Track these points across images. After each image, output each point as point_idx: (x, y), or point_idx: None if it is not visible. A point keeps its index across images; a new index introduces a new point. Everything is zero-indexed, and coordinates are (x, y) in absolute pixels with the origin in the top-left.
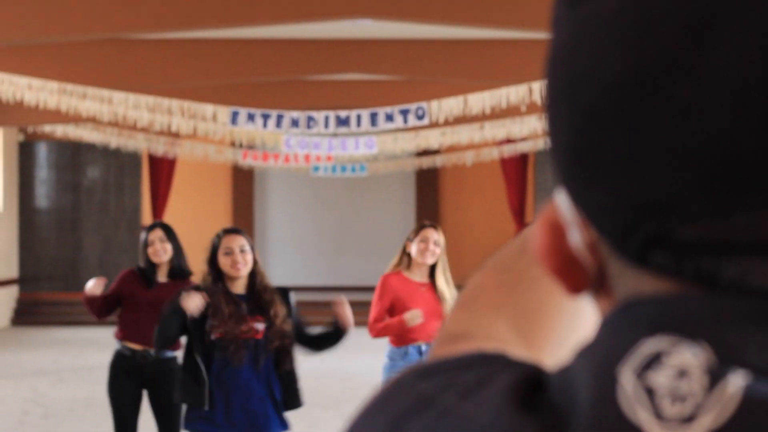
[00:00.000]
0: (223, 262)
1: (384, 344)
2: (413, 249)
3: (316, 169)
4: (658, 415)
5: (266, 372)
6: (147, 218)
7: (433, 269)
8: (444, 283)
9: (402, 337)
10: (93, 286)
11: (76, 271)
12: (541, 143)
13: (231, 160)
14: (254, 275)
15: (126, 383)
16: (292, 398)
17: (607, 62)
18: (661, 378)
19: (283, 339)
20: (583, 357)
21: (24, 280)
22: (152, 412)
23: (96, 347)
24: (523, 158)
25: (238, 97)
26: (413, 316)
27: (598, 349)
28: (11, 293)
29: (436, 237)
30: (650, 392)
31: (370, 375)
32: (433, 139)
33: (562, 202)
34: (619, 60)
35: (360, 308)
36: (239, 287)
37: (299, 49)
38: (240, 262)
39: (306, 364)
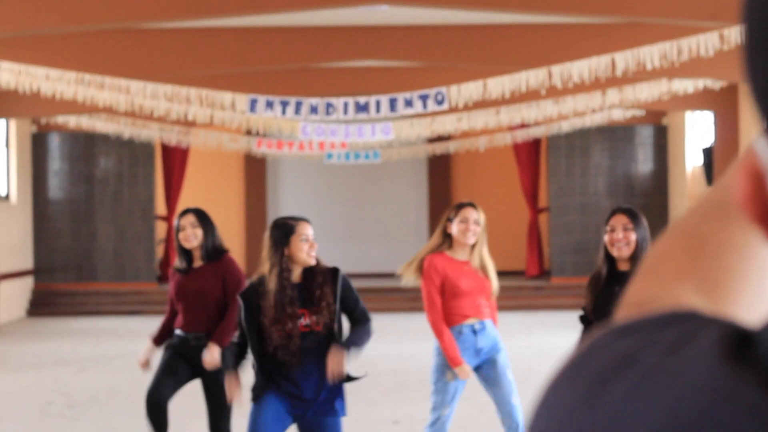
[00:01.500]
0: (300, 247)
1: (394, 331)
2: (454, 229)
3: (330, 156)
4: None
5: (320, 359)
6: (160, 208)
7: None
8: (480, 261)
9: (454, 315)
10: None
11: (91, 262)
12: (555, 128)
13: (245, 148)
14: (314, 270)
15: (179, 358)
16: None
17: None
18: None
19: (331, 325)
20: None
21: (39, 271)
22: (204, 396)
23: (114, 336)
24: (535, 143)
25: (256, 85)
26: (463, 374)
27: None
28: (26, 284)
29: (475, 216)
30: None
31: (388, 360)
32: (449, 124)
33: (763, 149)
34: None
35: (373, 294)
36: (297, 275)
37: (317, 37)
38: (314, 250)
39: None
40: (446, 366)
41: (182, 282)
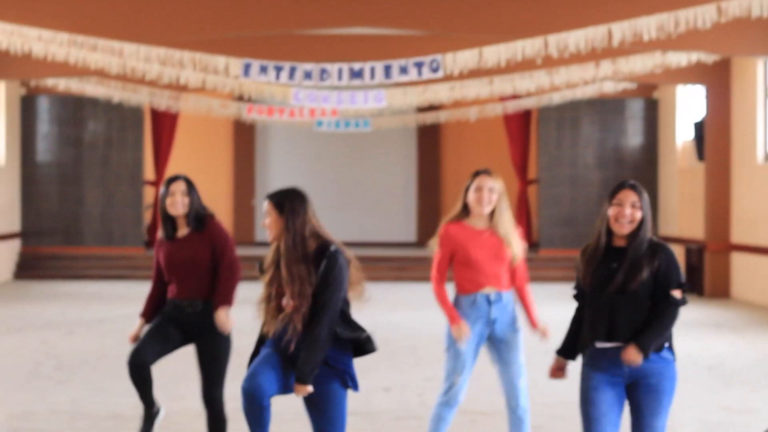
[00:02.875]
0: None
1: (382, 300)
2: (470, 197)
3: (320, 123)
4: None
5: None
6: (149, 173)
7: (493, 215)
8: (506, 228)
9: (468, 283)
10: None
11: (78, 226)
12: (545, 99)
13: (235, 114)
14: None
15: (170, 323)
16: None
17: None
18: None
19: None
20: None
21: (26, 234)
22: (198, 362)
23: (101, 300)
24: (526, 114)
25: (250, 50)
26: (459, 334)
27: None
28: (13, 247)
29: (491, 184)
30: None
31: (377, 329)
32: (442, 93)
33: None
34: None
35: (361, 263)
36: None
37: (312, 2)
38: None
39: None
40: None
41: (171, 251)
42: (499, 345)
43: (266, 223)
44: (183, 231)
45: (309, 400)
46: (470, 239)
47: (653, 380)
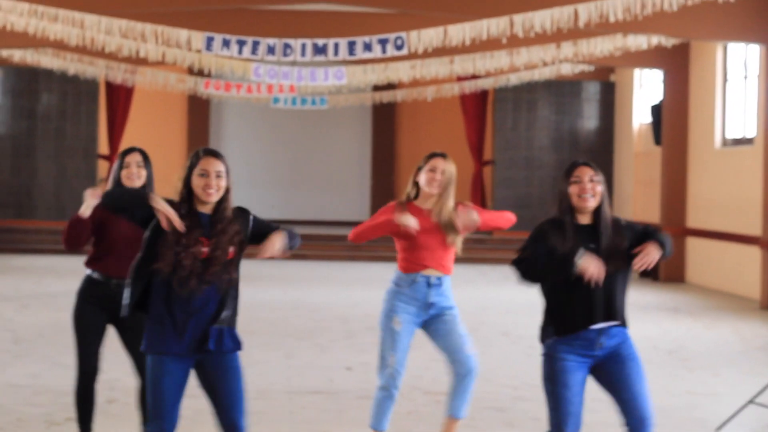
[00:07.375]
0: (196, 183)
1: (336, 279)
2: (422, 178)
3: (276, 100)
4: None
5: (215, 292)
6: (103, 147)
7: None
8: (446, 215)
9: (411, 263)
10: (87, 207)
11: (31, 199)
12: (502, 80)
13: (191, 89)
14: (222, 204)
15: (94, 310)
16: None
17: None
18: None
19: (223, 268)
20: None
21: None
22: (124, 342)
23: (55, 275)
24: (482, 95)
25: (213, 25)
26: (406, 218)
27: None
28: None
29: (443, 166)
30: None
31: (334, 308)
32: (402, 71)
33: None
34: None
35: (315, 242)
36: (206, 209)
37: None
38: (213, 187)
39: (277, 296)
40: (393, 311)
41: (114, 222)
42: (437, 323)
43: (221, 184)
44: None
45: (210, 377)
46: (419, 222)
47: (623, 350)
